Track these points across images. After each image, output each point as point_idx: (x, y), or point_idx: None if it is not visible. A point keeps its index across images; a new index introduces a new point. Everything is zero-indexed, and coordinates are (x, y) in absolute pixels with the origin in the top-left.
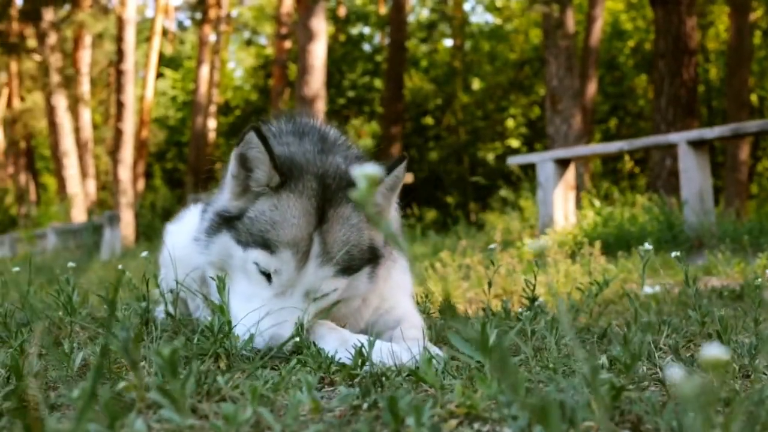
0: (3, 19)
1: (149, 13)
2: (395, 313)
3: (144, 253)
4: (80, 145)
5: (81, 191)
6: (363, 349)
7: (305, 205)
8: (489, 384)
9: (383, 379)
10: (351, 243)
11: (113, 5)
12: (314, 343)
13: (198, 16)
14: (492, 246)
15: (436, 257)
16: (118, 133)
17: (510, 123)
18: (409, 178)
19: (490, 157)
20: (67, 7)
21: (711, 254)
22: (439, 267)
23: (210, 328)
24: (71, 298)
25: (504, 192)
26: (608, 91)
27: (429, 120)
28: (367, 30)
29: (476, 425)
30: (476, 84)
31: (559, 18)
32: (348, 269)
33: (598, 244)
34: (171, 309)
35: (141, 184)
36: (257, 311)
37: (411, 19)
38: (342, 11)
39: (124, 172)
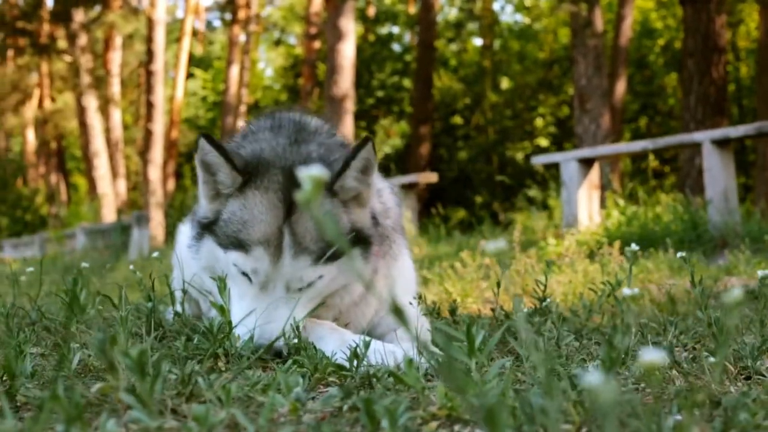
0: (34, 20)
1: (179, 13)
2: None
3: (155, 254)
4: (111, 146)
5: (111, 191)
6: (358, 350)
7: (271, 199)
8: (472, 386)
9: (374, 380)
10: (319, 234)
11: (143, 6)
12: (314, 344)
13: (227, 16)
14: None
15: (457, 257)
16: (148, 134)
17: (539, 122)
18: (433, 177)
19: (519, 156)
20: (97, 8)
21: (732, 254)
22: (459, 267)
23: (209, 328)
24: (78, 298)
25: (533, 191)
26: (638, 90)
27: (458, 119)
28: (396, 30)
29: (457, 427)
30: (505, 83)
31: (587, 17)
32: (329, 256)
33: (617, 243)
34: (180, 309)
35: (171, 184)
36: (247, 310)
37: (440, 18)
38: (371, 11)
39: (154, 173)
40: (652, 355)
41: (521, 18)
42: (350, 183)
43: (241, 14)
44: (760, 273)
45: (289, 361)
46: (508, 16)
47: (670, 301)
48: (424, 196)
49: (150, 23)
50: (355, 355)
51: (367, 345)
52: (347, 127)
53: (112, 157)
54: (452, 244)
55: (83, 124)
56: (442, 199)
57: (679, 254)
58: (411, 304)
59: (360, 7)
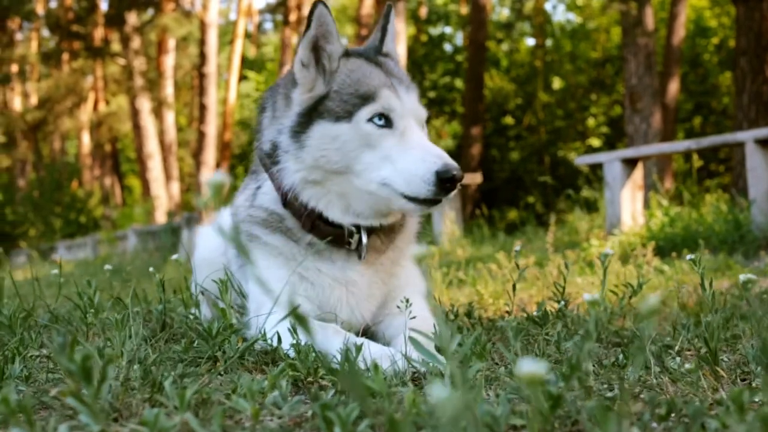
0: (88, 24)
1: (232, 16)
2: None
3: (175, 256)
4: (164, 148)
5: (165, 193)
6: (350, 353)
7: (366, 61)
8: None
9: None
10: (408, 74)
11: (196, 9)
12: (314, 346)
13: (279, 18)
14: (517, 247)
15: (493, 258)
16: (201, 136)
17: (591, 122)
18: (478, 178)
19: (572, 156)
20: (150, 11)
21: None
22: (494, 268)
23: (209, 331)
24: (92, 300)
25: (586, 192)
26: (692, 90)
27: (509, 120)
28: (448, 30)
29: None
30: (557, 83)
31: (637, 16)
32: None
33: (651, 245)
34: (196, 310)
35: None
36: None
37: (492, 18)
38: (423, 11)
39: (207, 175)
40: (530, 367)
41: (573, 17)
42: (391, 45)
43: (292, 16)
44: (741, 277)
45: (282, 365)
46: (560, 15)
47: (699, 303)
48: (475, 197)
49: (203, 26)
50: (347, 358)
51: (359, 348)
52: None
53: (165, 160)
54: (495, 245)
55: (137, 127)
56: (494, 200)
57: (688, 257)
58: (398, 307)
59: (411, 7)
